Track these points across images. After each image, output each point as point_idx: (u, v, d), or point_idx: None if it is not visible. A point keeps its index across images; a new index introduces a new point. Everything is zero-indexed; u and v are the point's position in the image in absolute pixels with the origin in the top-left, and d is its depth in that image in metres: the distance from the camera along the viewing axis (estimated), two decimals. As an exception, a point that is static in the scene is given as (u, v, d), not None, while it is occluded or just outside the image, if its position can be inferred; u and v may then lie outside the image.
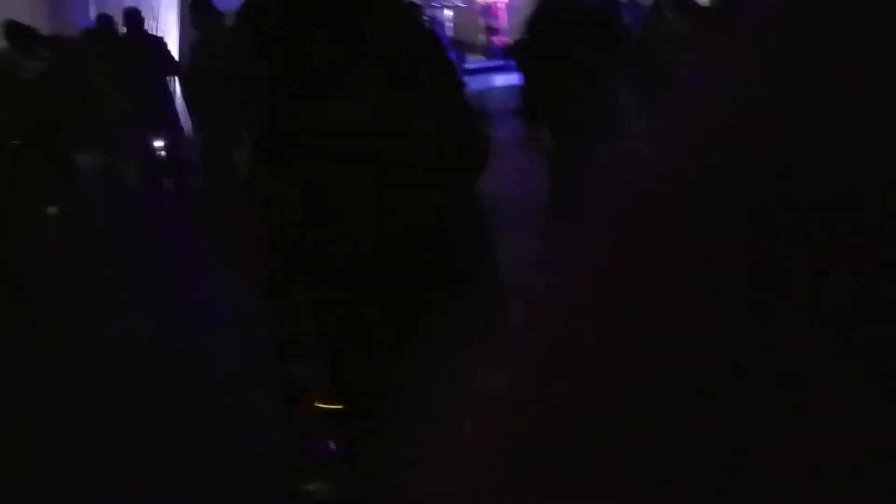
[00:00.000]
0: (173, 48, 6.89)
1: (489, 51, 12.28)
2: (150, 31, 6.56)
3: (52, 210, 5.38)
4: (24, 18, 9.02)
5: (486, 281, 1.84)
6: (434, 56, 1.96)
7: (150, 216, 6.18)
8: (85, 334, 3.74)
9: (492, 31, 12.49)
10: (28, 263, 4.35)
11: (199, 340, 3.53)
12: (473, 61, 11.85)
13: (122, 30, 6.41)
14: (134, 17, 6.15)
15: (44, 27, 9.89)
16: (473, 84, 10.77)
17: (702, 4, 5.45)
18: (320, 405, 2.11)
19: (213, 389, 2.98)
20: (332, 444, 2.05)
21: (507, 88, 10.51)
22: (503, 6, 12.45)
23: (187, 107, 6.23)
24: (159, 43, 6.39)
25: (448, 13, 12.41)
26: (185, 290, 4.38)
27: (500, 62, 11.63)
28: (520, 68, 5.38)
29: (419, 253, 1.74)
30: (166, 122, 6.17)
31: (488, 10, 12.51)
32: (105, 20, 6.76)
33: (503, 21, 12.54)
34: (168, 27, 7.94)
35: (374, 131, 1.67)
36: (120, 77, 5.61)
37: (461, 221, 1.86)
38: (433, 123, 1.75)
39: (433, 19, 11.04)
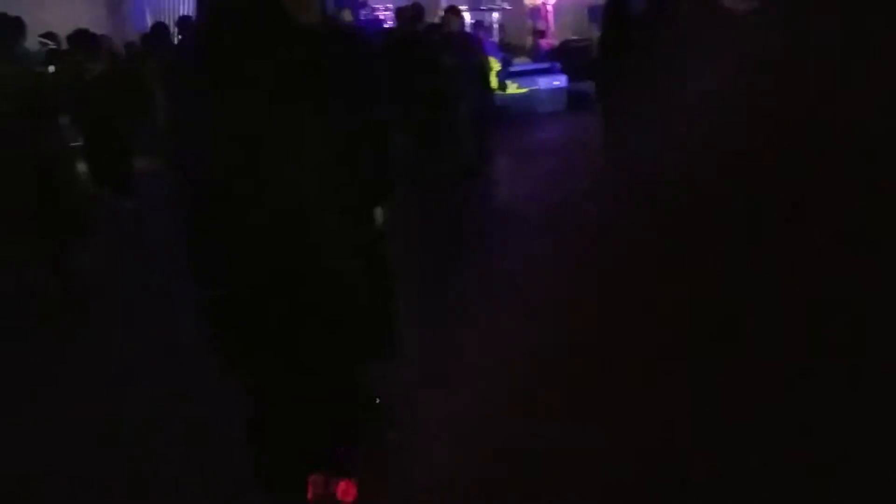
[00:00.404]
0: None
1: (536, 53, 12.26)
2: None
3: (113, 208, 5.63)
4: (85, 24, 9.42)
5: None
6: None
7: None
8: (137, 334, 3.89)
9: (539, 33, 12.46)
10: (88, 262, 4.54)
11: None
12: (520, 63, 11.84)
13: (176, 37, 6.63)
14: (187, 26, 6.33)
15: (103, 32, 10.30)
16: (519, 85, 10.78)
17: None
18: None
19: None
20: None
21: (552, 90, 10.51)
22: (551, 8, 12.41)
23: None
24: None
25: (496, 15, 12.43)
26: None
27: (546, 64, 11.61)
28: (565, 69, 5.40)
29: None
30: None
31: (536, 13, 12.48)
32: (159, 28, 7.00)
33: (550, 23, 12.50)
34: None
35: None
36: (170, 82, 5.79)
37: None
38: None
39: (480, 22, 11.07)
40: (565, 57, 11.39)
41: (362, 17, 11.24)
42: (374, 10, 11.90)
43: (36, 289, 4.33)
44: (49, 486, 2.53)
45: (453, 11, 7.43)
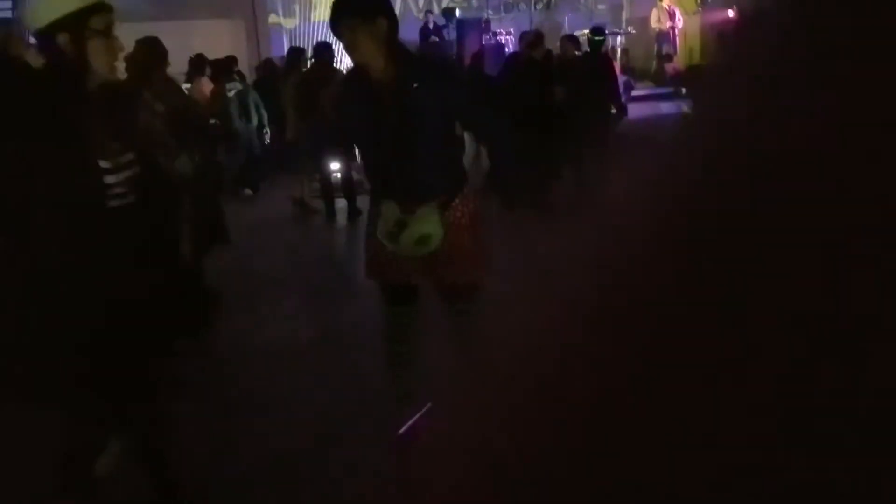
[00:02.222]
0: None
1: (661, 77, 12.01)
2: (336, 65, 7.05)
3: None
4: (231, 50, 10.13)
5: None
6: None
7: (327, 233, 6.66)
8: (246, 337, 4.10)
9: (666, 57, 12.20)
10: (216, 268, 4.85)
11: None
12: (642, 87, 11.64)
13: (311, 62, 6.98)
14: (322, 52, 6.62)
15: (245, 57, 10.97)
16: (640, 111, 10.59)
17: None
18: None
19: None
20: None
21: (674, 116, 10.22)
22: (678, 32, 12.14)
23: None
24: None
25: (620, 39, 12.29)
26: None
27: (671, 89, 11.34)
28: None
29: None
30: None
31: (663, 37, 12.25)
32: (295, 52, 7.40)
33: (677, 47, 12.22)
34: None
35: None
36: (301, 103, 6.10)
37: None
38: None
39: (608, 46, 10.96)
40: (691, 82, 11.08)
41: (485, 42, 11.43)
42: (496, 34, 12.08)
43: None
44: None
45: (570, 39, 7.43)
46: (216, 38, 11.50)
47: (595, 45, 7.63)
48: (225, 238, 4.64)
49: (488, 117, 2.72)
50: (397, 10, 2.89)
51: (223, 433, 3.04)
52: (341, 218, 6.81)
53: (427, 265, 2.62)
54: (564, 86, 6.75)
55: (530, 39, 7.10)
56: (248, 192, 8.07)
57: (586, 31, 11.08)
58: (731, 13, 10.44)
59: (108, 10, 2.05)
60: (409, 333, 2.82)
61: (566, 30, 10.61)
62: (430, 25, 12.02)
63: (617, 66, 10.59)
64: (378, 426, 2.88)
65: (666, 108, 10.61)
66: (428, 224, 2.57)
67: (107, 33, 2.02)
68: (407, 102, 2.50)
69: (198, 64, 7.64)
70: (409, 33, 9.58)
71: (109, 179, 2.04)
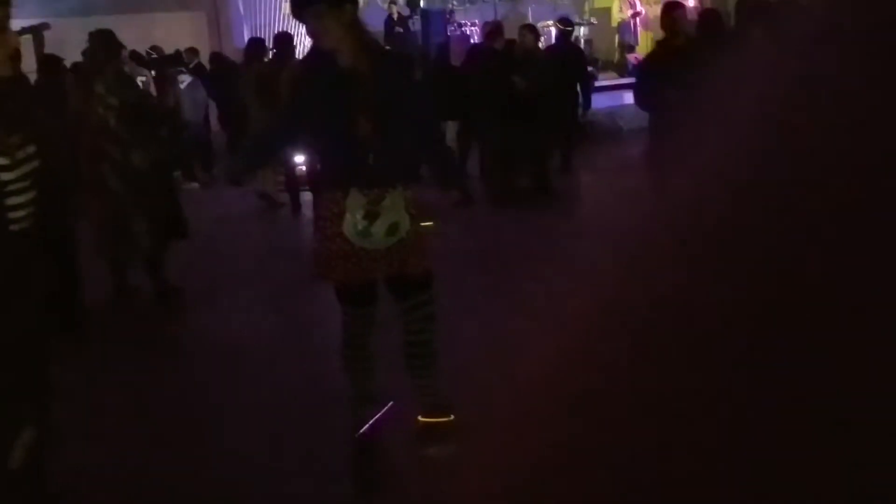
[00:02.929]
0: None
1: (624, 68, 12.10)
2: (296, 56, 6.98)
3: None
4: (192, 42, 10.04)
5: None
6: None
7: (293, 226, 6.60)
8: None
9: (627, 48, 12.31)
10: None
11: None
12: (605, 78, 11.72)
13: (271, 52, 6.90)
14: (282, 42, 6.54)
15: (206, 48, 10.84)
16: (603, 101, 10.67)
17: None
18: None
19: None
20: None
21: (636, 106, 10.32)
22: (639, 23, 12.25)
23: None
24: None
25: (583, 30, 12.35)
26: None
27: (632, 79, 11.41)
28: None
29: None
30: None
31: (625, 28, 12.34)
32: (255, 43, 7.31)
33: (639, 38, 12.33)
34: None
35: None
36: (263, 95, 6.03)
37: None
38: None
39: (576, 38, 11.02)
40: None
41: (450, 33, 11.40)
42: (461, 25, 12.05)
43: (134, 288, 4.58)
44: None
45: (529, 29, 7.47)
46: (178, 30, 11.33)
47: (565, 35, 7.69)
48: (184, 232, 4.57)
49: (432, 127, 2.73)
50: (362, 1, 2.87)
51: (181, 428, 3.01)
52: (307, 210, 6.76)
53: (392, 257, 2.60)
54: (526, 76, 6.79)
55: (490, 30, 7.15)
56: (194, 185, 8.01)
57: (549, 21, 11.14)
58: (691, 2, 10.56)
59: (3, 3, 2.00)
60: (369, 335, 2.79)
61: (530, 21, 10.62)
62: (395, 16, 11.95)
63: (582, 56, 10.64)
64: (335, 423, 2.88)
65: (629, 97, 10.68)
66: (397, 212, 2.55)
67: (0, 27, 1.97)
68: (374, 89, 2.49)
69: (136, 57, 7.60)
70: (373, 24, 9.52)
71: (5, 176, 1.98)
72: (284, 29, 7.62)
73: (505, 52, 6.99)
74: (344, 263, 2.60)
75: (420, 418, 2.80)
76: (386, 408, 2.83)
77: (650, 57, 5.20)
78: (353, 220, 2.52)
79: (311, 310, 4.21)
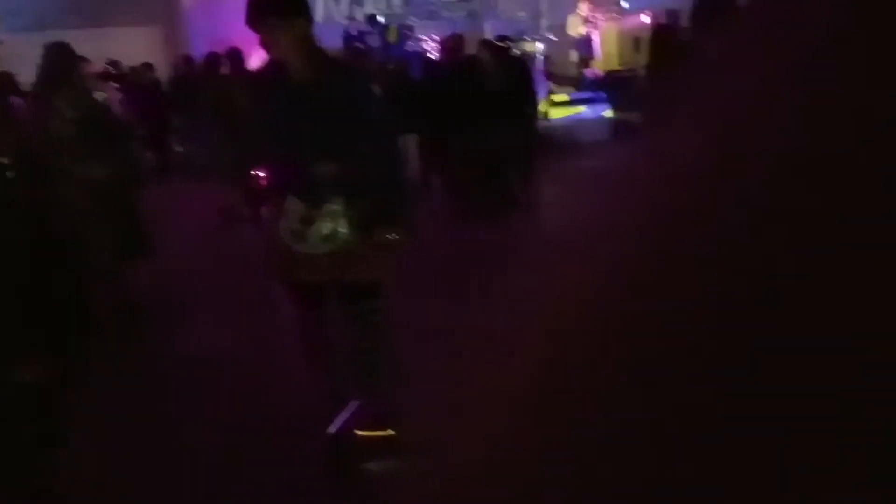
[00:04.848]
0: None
1: (581, 83, 12.28)
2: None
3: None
4: (148, 57, 9.93)
5: None
6: None
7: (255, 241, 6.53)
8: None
9: (584, 63, 12.48)
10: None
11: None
12: (564, 93, 11.88)
13: (227, 66, 6.87)
14: (235, 57, 6.56)
15: (163, 63, 10.74)
16: (563, 115, 10.81)
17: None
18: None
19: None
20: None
21: (597, 119, 10.50)
22: (596, 38, 12.45)
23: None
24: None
25: (540, 46, 12.51)
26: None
27: (591, 94, 11.62)
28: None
29: None
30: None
31: (582, 43, 12.52)
32: (212, 58, 7.28)
33: (596, 53, 12.52)
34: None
35: None
36: (221, 109, 6.00)
37: None
38: None
39: (526, 52, 11.18)
40: (610, 87, 11.39)
41: (410, 48, 11.45)
42: (419, 40, 12.12)
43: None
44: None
45: (485, 44, 7.61)
46: (134, 45, 11.20)
47: (501, 50, 7.86)
48: (148, 248, 4.50)
49: (388, 142, 2.77)
50: (320, 16, 2.92)
51: (146, 441, 2.96)
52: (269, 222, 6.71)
53: (334, 264, 2.64)
54: (481, 89, 6.93)
55: (447, 44, 7.26)
56: None
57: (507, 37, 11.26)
58: (647, 19, 10.78)
59: None
60: (324, 334, 2.83)
61: (489, 36, 10.73)
62: (354, 31, 11.97)
63: (539, 72, 10.78)
64: (306, 432, 2.87)
65: (588, 112, 10.88)
66: (335, 221, 2.61)
67: None
68: (322, 101, 2.54)
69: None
70: (332, 39, 9.52)
71: None
72: (242, 42, 7.60)
73: (462, 66, 7.11)
74: (284, 264, 2.71)
75: (357, 431, 2.83)
76: (354, 406, 2.87)
77: None
78: (288, 224, 2.61)
79: (278, 322, 4.18)
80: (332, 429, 2.81)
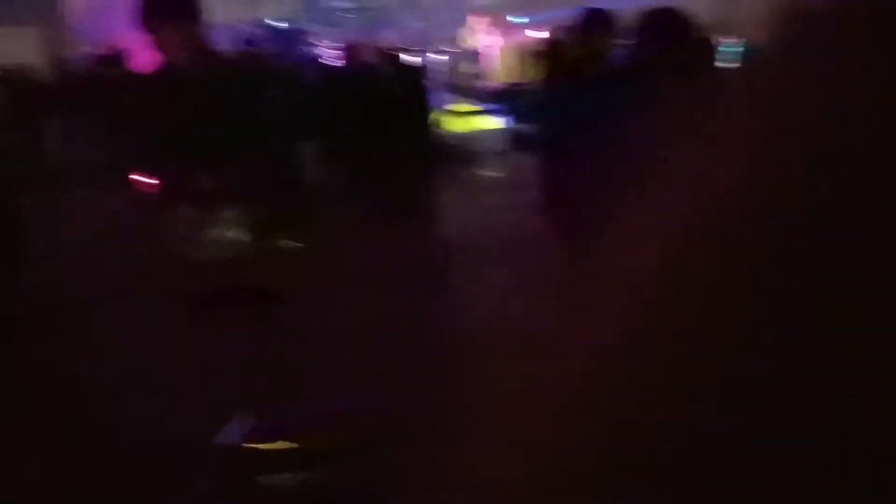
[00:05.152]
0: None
1: (476, 94, 12.52)
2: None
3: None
4: (23, 58, 9.35)
5: None
6: None
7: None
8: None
9: (479, 76, 12.75)
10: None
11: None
12: (462, 104, 12.07)
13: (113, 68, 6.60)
14: (118, 58, 6.32)
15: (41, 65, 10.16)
16: (458, 126, 10.97)
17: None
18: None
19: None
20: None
21: (497, 130, 10.72)
22: (495, 52, 12.73)
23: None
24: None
25: (442, 58, 12.68)
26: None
27: (488, 106, 11.87)
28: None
29: None
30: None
31: (481, 55, 12.77)
32: (96, 59, 6.96)
33: (495, 67, 12.81)
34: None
35: None
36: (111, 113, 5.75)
37: None
38: None
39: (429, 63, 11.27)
40: (509, 99, 11.65)
41: (301, 54, 11.32)
42: (318, 47, 12.00)
43: None
44: None
45: (381, 52, 7.69)
46: (5, 47, 10.53)
47: (398, 59, 7.94)
48: (25, 257, 4.25)
49: (286, 146, 2.77)
50: (214, 18, 2.86)
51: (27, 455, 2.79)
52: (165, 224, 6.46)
53: (231, 270, 2.59)
54: (379, 97, 6.97)
55: (344, 52, 7.31)
56: None
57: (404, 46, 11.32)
58: (538, 34, 11.11)
59: None
60: (219, 342, 2.77)
61: (386, 45, 10.75)
62: (248, 34, 11.72)
63: (437, 82, 10.89)
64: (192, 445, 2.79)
65: (486, 123, 11.10)
66: (232, 226, 2.56)
67: None
68: (216, 105, 2.50)
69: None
70: (226, 41, 9.28)
71: None
72: (128, 43, 7.32)
73: (360, 74, 7.14)
74: (176, 272, 2.69)
75: (255, 444, 2.77)
76: (252, 418, 2.81)
77: None
78: (182, 230, 2.55)
79: (169, 330, 4.02)
80: (223, 440, 2.73)
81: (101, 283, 5.19)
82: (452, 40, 13.16)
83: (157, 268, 2.68)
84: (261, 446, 2.75)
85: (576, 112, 3.97)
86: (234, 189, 2.52)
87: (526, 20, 11.57)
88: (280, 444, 2.74)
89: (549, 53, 6.95)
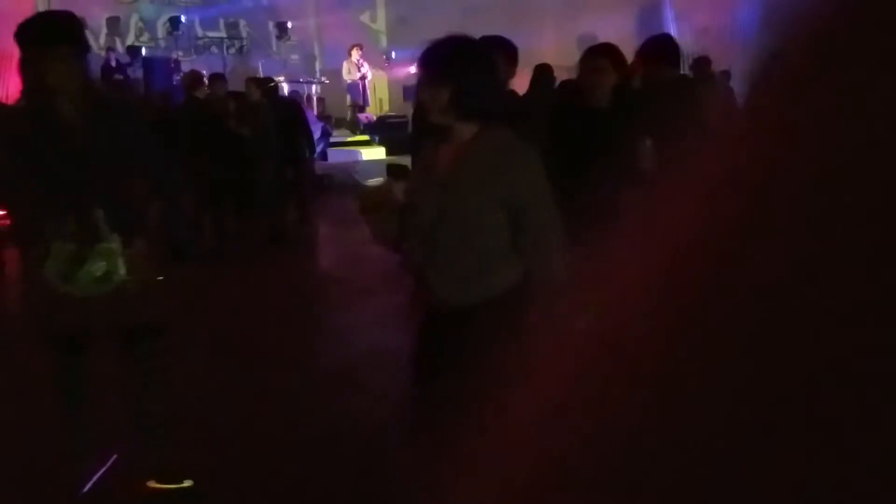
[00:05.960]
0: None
1: (356, 125, 12.61)
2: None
3: None
4: None
5: None
6: None
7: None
8: None
9: (357, 107, 12.85)
10: None
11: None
12: (339, 135, 12.13)
13: None
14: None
15: None
16: (338, 156, 11.04)
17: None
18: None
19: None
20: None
21: (371, 161, 10.84)
22: (367, 84, 12.88)
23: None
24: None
25: (314, 88, 12.68)
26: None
27: (365, 137, 12.02)
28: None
29: None
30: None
31: (354, 88, 12.87)
32: None
33: (367, 99, 12.95)
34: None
35: None
36: None
37: None
38: None
39: (297, 93, 11.27)
40: (383, 131, 11.83)
41: (175, 83, 11.02)
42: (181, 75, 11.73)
43: None
44: None
45: (254, 81, 7.67)
46: None
47: (271, 90, 7.99)
48: None
49: (163, 168, 2.71)
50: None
51: None
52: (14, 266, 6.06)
53: (108, 305, 2.50)
54: (248, 127, 6.96)
55: (188, 80, 7.27)
56: None
57: (280, 77, 11.28)
58: (413, 70, 11.38)
59: None
60: (83, 386, 2.66)
61: (260, 75, 10.67)
62: (113, 63, 11.27)
63: (313, 113, 10.90)
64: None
65: (363, 154, 11.22)
66: (108, 260, 2.47)
67: None
68: (91, 136, 2.42)
69: None
70: (90, 70, 8.88)
71: None
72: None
73: (220, 103, 7.16)
74: (46, 309, 2.52)
75: (149, 483, 2.69)
76: (109, 462, 2.72)
77: None
78: (55, 265, 2.43)
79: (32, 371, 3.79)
80: (87, 487, 2.62)
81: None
82: (330, 72, 13.21)
83: (26, 305, 2.54)
84: (161, 486, 2.65)
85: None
86: (115, 221, 2.44)
87: (408, 54, 11.82)
88: (180, 484, 2.65)
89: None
